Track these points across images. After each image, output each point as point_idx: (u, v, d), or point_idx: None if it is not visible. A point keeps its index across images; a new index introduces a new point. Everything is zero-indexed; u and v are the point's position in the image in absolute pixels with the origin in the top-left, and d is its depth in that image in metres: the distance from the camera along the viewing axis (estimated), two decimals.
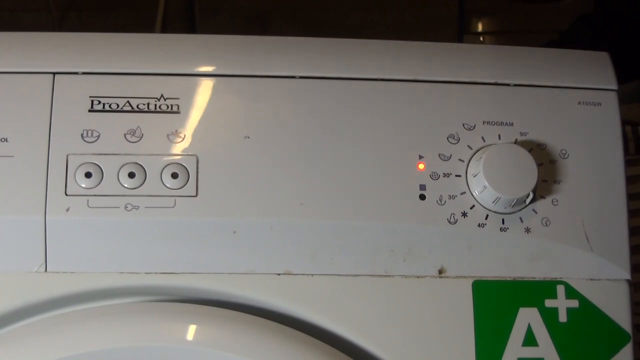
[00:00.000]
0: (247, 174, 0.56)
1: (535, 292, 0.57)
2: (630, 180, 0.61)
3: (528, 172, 0.56)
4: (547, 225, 0.57)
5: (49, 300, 0.55)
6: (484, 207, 0.57)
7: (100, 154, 0.56)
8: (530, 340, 0.56)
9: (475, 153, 0.58)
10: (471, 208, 0.57)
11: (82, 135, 0.56)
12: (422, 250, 0.57)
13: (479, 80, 0.60)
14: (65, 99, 0.56)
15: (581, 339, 0.57)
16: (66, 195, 0.55)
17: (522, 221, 0.57)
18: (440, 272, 0.57)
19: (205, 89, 0.58)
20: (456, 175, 0.58)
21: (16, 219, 0.54)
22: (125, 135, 0.56)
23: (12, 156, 0.55)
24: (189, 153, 0.56)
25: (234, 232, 0.56)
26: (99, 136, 0.56)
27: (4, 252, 0.55)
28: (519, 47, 0.63)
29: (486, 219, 0.57)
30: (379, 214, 0.56)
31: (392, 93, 0.59)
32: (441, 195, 0.57)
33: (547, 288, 0.58)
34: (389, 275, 0.57)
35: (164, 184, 0.55)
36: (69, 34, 0.60)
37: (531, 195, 0.56)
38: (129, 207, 0.55)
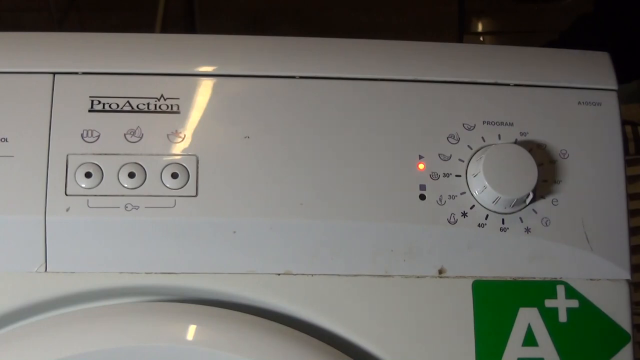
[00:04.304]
0: (247, 174, 0.56)
1: (535, 292, 0.57)
2: (630, 180, 0.61)
3: (528, 172, 0.56)
4: (547, 225, 0.57)
5: (49, 300, 0.55)
6: (484, 207, 0.57)
7: (100, 154, 0.56)
8: (530, 340, 0.56)
9: (475, 153, 0.58)
10: (471, 208, 0.57)
11: (82, 135, 0.56)
12: (422, 250, 0.57)
13: (479, 80, 0.60)
14: (65, 99, 0.56)
15: (581, 339, 0.57)
16: (66, 195, 0.55)
17: (522, 221, 0.57)
18: (440, 272, 0.57)
19: (205, 89, 0.58)
20: (456, 175, 0.58)
21: (16, 219, 0.54)
22: (125, 135, 0.56)
23: (12, 156, 0.55)
24: (189, 153, 0.56)
25: (234, 232, 0.56)
26: (99, 136, 0.56)
27: (4, 252, 0.55)
28: (519, 47, 0.63)
29: (486, 219, 0.57)
30: (379, 214, 0.56)
31: (392, 93, 0.59)
32: (441, 195, 0.57)
33: (547, 288, 0.58)
34: (389, 275, 0.57)
35: (164, 184, 0.55)
36: (69, 34, 0.60)
37: (531, 195, 0.56)
38: (129, 207, 0.55)
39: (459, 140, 0.58)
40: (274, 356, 0.53)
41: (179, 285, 0.56)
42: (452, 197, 0.57)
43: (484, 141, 0.58)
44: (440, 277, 0.57)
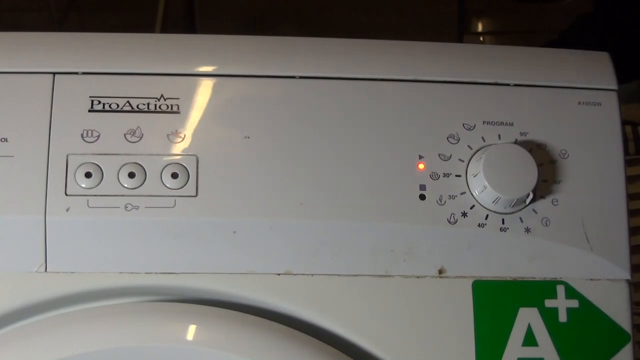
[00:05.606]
0: (247, 174, 0.56)
1: (535, 292, 0.57)
2: (630, 180, 0.61)
3: (528, 172, 0.56)
4: (547, 225, 0.57)
5: (49, 300, 0.55)
6: (484, 207, 0.57)
7: (100, 154, 0.56)
8: (530, 340, 0.56)
9: (475, 153, 0.58)
10: (471, 208, 0.57)
11: (82, 135, 0.56)
12: (422, 250, 0.57)
13: (479, 80, 0.60)
14: (65, 99, 0.56)
15: (581, 339, 0.57)
16: (66, 195, 0.55)
17: (522, 221, 0.57)
18: (440, 272, 0.57)
19: (205, 89, 0.58)
20: (456, 175, 0.58)
21: (16, 219, 0.54)
22: (125, 135, 0.56)
23: (12, 156, 0.55)
24: (189, 153, 0.56)
25: (234, 232, 0.56)
26: (99, 136, 0.56)
27: (4, 252, 0.55)
28: (519, 47, 0.63)
29: (486, 219, 0.57)
30: (379, 214, 0.56)
31: (392, 93, 0.59)
32: (441, 195, 0.57)
33: (547, 288, 0.58)
34: (389, 275, 0.57)
35: (164, 184, 0.55)
36: (69, 34, 0.60)
37: (531, 195, 0.56)
38: (129, 207, 0.55)
39: (459, 140, 0.58)
40: (274, 356, 0.53)
41: (179, 285, 0.56)
42: (452, 197, 0.57)
43: (484, 141, 0.58)
44: (440, 277, 0.57)
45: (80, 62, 0.58)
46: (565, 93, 0.60)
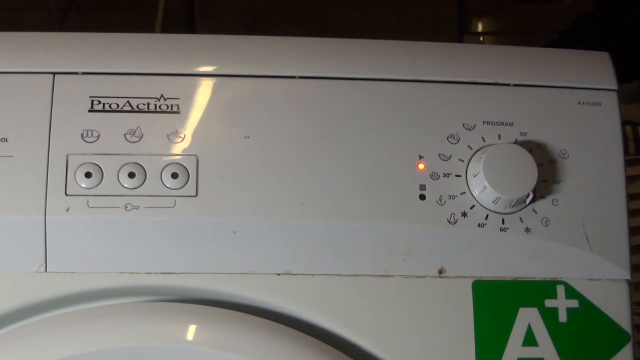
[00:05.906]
0: (247, 174, 0.56)
1: (535, 292, 0.57)
2: (630, 180, 0.61)
3: (528, 172, 0.56)
4: (547, 225, 0.57)
5: (49, 300, 0.55)
6: (484, 207, 0.57)
7: (100, 154, 0.56)
8: (530, 340, 0.56)
9: (475, 153, 0.58)
10: (471, 208, 0.57)
11: (82, 135, 0.56)
12: (422, 250, 0.57)
13: (479, 80, 0.60)
14: (65, 99, 0.56)
15: (581, 339, 0.57)
16: (66, 195, 0.55)
17: (522, 221, 0.57)
18: (440, 272, 0.57)
19: (205, 89, 0.58)
20: (456, 175, 0.58)
21: (16, 219, 0.54)
22: (125, 135, 0.56)
23: (12, 156, 0.55)
24: (189, 153, 0.56)
25: (234, 232, 0.56)
26: (99, 136, 0.56)
27: (4, 252, 0.55)
28: (519, 47, 0.63)
29: (486, 219, 0.57)
30: (379, 214, 0.56)
31: (393, 93, 0.59)
32: (441, 195, 0.57)
33: (547, 288, 0.58)
34: (389, 275, 0.57)
35: (164, 184, 0.55)
36: (69, 34, 0.60)
37: (531, 195, 0.56)
38: (129, 207, 0.55)
39: (459, 140, 0.58)
40: (274, 356, 0.53)
41: (179, 285, 0.56)
42: (452, 197, 0.57)
43: (484, 141, 0.58)
44: (440, 277, 0.57)
45: (80, 62, 0.58)
46: (565, 93, 0.60)
